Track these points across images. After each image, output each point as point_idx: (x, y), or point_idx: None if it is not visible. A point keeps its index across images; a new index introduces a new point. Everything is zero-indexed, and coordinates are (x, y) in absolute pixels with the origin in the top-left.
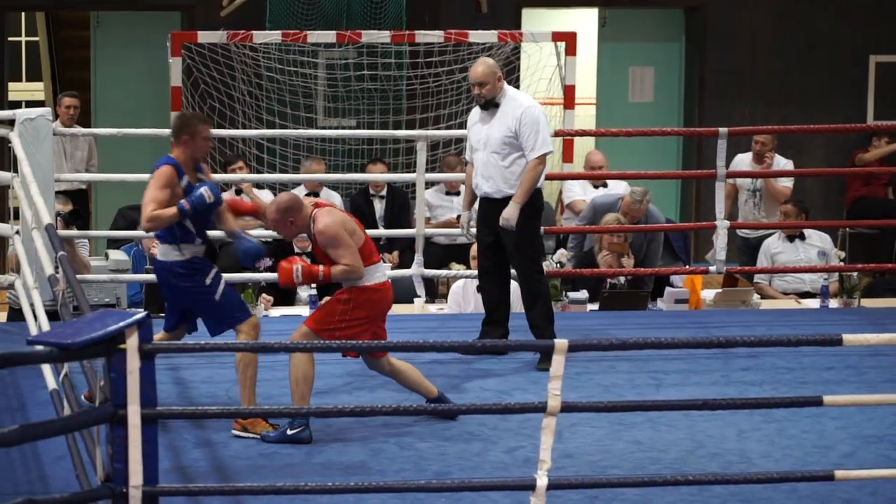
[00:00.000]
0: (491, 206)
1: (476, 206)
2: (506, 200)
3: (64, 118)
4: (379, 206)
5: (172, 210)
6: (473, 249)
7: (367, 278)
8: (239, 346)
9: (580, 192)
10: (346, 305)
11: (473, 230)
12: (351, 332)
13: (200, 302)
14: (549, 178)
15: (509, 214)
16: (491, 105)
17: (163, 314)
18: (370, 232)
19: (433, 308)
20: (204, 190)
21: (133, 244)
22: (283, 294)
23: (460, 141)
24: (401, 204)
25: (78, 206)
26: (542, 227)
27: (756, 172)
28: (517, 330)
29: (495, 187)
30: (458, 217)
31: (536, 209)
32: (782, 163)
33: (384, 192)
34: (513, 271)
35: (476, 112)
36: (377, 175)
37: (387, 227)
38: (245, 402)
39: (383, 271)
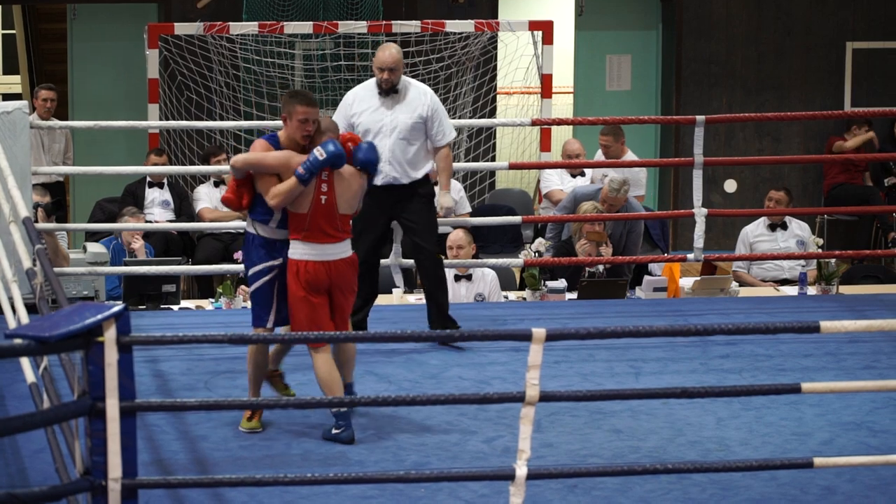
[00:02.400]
0: (394, 193)
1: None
2: (411, 186)
3: (41, 111)
4: None
5: (291, 181)
6: (451, 238)
7: (292, 251)
8: (217, 337)
9: (558, 182)
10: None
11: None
12: (305, 311)
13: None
14: (528, 167)
15: (449, 202)
16: (392, 91)
17: (142, 307)
18: None
19: (412, 298)
20: (317, 150)
21: (112, 237)
22: None
23: None
24: None
25: (58, 198)
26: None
27: (733, 160)
28: (501, 320)
29: (402, 172)
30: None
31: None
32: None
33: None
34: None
35: (365, 96)
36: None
37: None
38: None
39: (312, 251)
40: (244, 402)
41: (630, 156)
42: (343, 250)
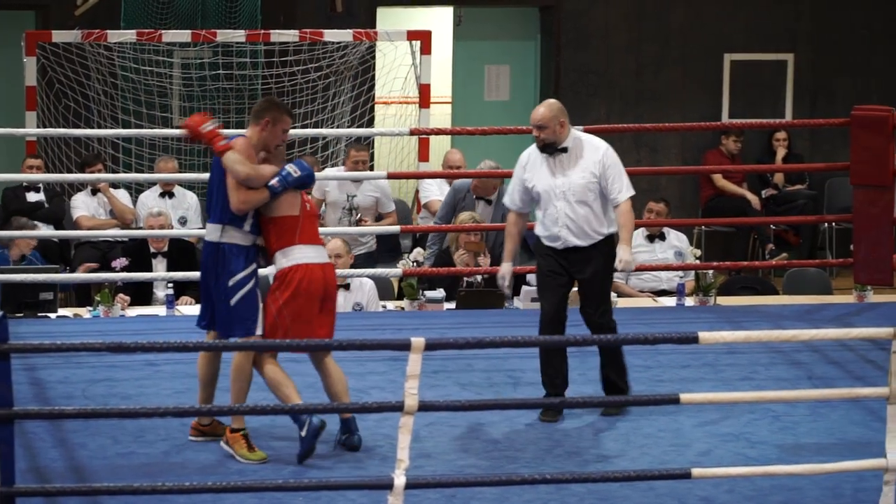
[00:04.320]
0: (575, 255)
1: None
2: (594, 246)
3: None
4: None
5: (264, 193)
6: (329, 247)
7: (289, 258)
8: (95, 345)
9: (437, 192)
10: (277, 303)
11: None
12: (295, 318)
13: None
14: (407, 176)
15: (629, 257)
16: (555, 150)
17: (19, 314)
18: None
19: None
20: (291, 168)
21: None
22: (140, 294)
23: (315, 140)
24: None
25: None
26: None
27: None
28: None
29: (584, 235)
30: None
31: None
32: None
33: None
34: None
35: (535, 157)
36: None
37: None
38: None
39: (313, 253)
40: (122, 410)
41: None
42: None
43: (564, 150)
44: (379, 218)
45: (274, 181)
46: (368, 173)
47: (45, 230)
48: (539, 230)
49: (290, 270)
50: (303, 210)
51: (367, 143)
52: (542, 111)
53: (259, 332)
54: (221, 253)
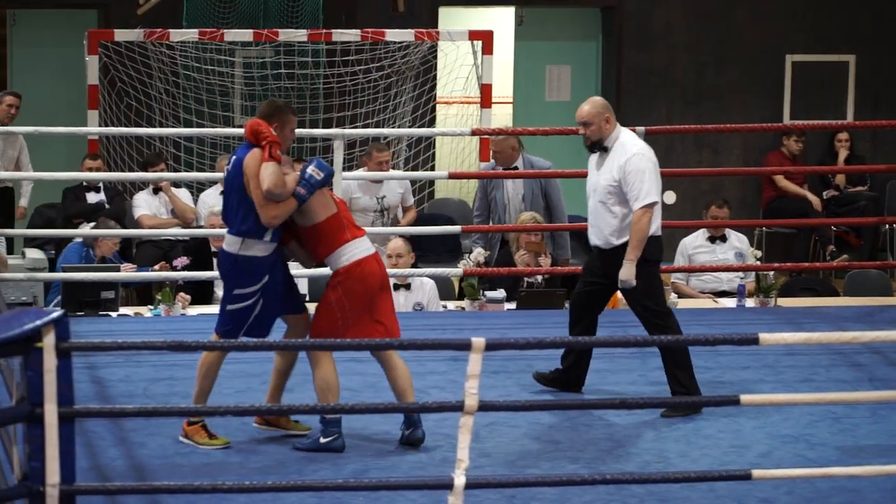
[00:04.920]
0: (599, 257)
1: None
2: (613, 251)
3: (4, 116)
4: None
5: (292, 203)
6: (390, 247)
7: (344, 257)
8: (156, 344)
9: None
10: (339, 301)
11: None
12: (357, 315)
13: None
14: (467, 176)
15: (626, 275)
16: (599, 148)
17: (81, 313)
18: None
19: None
20: (312, 169)
21: (81, 244)
22: (201, 293)
23: (377, 140)
24: None
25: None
26: (658, 274)
27: (672, 172)
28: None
29: (602, 237)
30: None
31: (644, 259)
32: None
33: None
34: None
35: (594, 156)
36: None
37: None
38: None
39: (363, 246)
40: (182, 409)
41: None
42: None
43: (606, 149)
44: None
45: (300, 188)
46: (392, 173)
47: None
48: None
49: (349, 269)
50: (337, 204)
51: (386, 143)
52: (586, 108)
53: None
54: (238, 265)
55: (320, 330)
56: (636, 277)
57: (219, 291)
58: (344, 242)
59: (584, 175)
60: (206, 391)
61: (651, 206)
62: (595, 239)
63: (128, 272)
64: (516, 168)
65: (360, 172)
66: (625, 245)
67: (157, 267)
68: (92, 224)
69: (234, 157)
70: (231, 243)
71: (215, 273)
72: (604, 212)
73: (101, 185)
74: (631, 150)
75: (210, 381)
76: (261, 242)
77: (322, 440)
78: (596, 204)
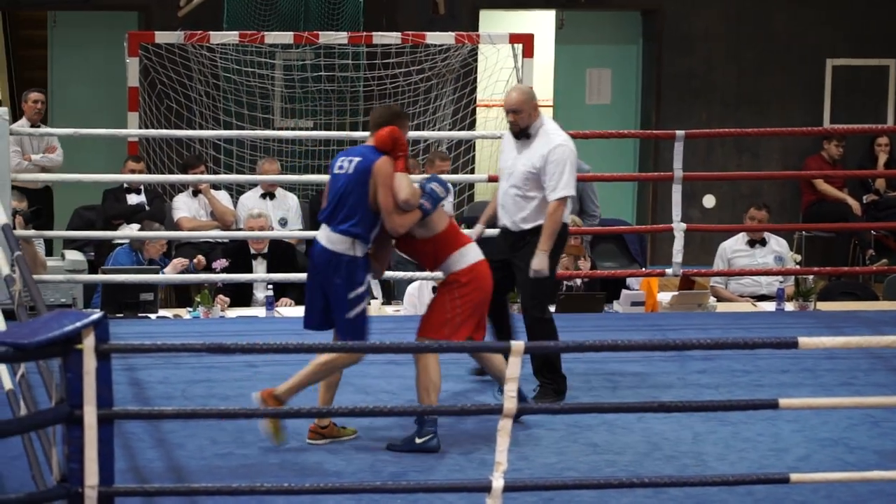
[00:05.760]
0: (505, 237)
1: (483, 226)
2: (521, 235)
3: (30, 113)
4: None
5: (416, 214)
6: None
7: (462, 261)
8: (195, 346)
9: None
10: (455, 300)
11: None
12: (466, 327)
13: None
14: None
15: (539, 265)
16: (524, 135)
17: (120, 315)
18: None
19: (389, 309)
20: (435, 186)
21: (128, 247)
22: (240, 295)
23: (417, 143)
24: None
25: (39, 206)
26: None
27: (712, 175)
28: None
29: (511, 220)
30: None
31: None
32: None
33: None
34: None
35: (509, 137)
36: None
37: None
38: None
39: (476, 251)
40: (221, 411)
41: None
42: None
43: (528, 135)
44: None
45: (424, 202)
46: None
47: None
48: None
49: (468, 271)
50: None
51: (427, 145)
52: (514, 96)
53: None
54: (345, 264)
55: (431, 330)
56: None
57: (259, 294)
58: (461, 246)
59: (626, 179)
60: (329, 401)
61: (566, 199)
62: (505, 220)
63: (171, 274)
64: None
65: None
66: (532, 230)
67: (195, 261)
68: (137, 226)
69: (354, 159)
70: (338, 242)
71: (254, 275)
72: (518, 197)
73: (141, 187)
74: (555, 140)
75: (332, 392)
76: (365, 246)
77: (417, 440)
78: (510, 188)
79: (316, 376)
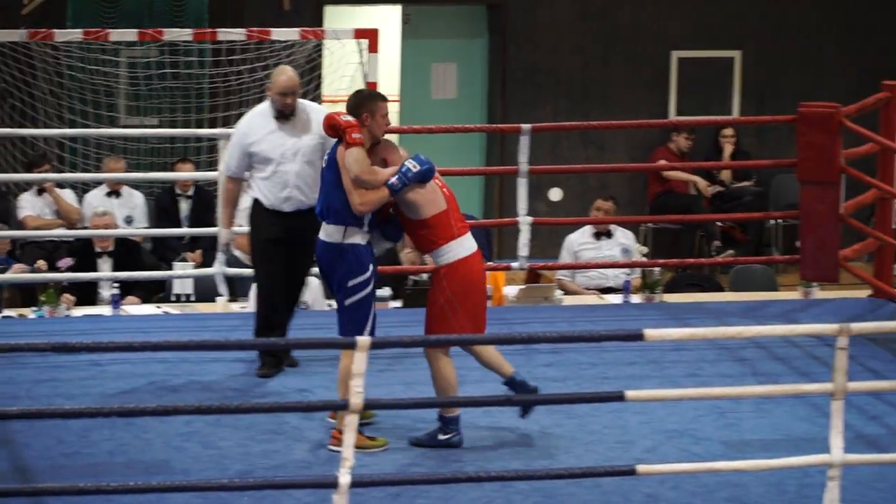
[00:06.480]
0: (306, 218)
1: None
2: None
3: None
4: (185, 206)
5: (384, 191)
6: None
7: (451, 254)
8: (40, 345)
9: None
10: (449, 301)
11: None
12: (472, 314)
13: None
14: None
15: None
16: (290, 115)
17: None
18: (174, 231)
19: (235, 307)
20: (410, 164)
21: None
22: (85, 293)
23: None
24: (206, 203)
25: None
26: None
27: (558, 168)
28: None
29: (310, 196)
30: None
31: None
32: None
33: (191, 192)
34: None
35: (260, 122)
36: (179, 174)
37: (192, 226)
38: None
39: (466, 245)
40: (67, 410)
41: None
42: None
43: (289, 116)
44: None
45: (393, 179)
46: None
47: None
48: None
49: (454, 266)
50: (447, 200)
51: None
52: (293, 77)
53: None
54: (345, 253)
55: (438, 325)
56: None
57: (105, 293)
58: (448, 240)
59: (472, 173)
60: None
61: None
62: (301, 197)
63: (17, 273)
64: None
65: None
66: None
67: (38, 264)
68: None
69: (326, 156)
70: (332, 233)
71: (100, 274)
72: (310, 171)
73: None
74: (319, 107)
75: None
76: (360, 231)
77: (441, 437)
78: (304, 165)
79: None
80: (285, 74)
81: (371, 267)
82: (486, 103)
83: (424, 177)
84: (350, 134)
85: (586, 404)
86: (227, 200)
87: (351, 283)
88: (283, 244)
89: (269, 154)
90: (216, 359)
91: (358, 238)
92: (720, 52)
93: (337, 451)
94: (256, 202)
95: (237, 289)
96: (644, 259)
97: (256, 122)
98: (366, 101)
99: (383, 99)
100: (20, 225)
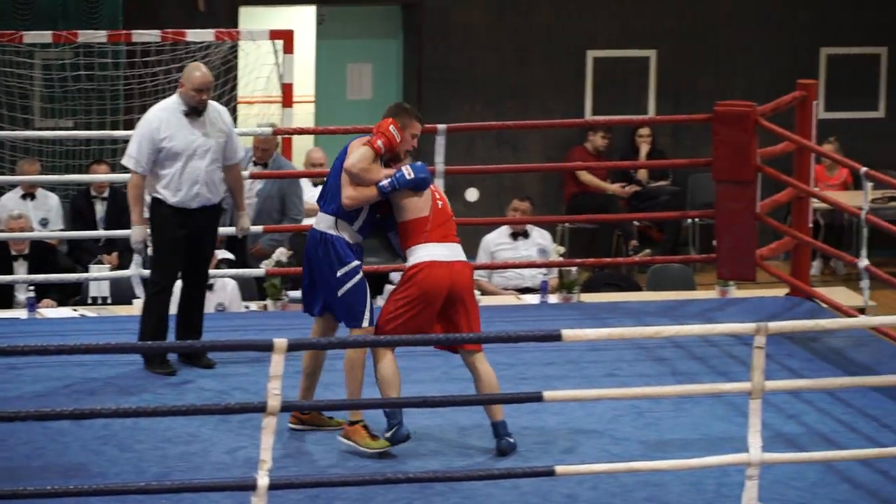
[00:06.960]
0: (206, 214)
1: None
2: (214, 207)
3: None
4: (100, 208)
5: (373, 191)
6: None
7: (415, 256)
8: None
9: (304, 191)
10: (401, 300)
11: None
12: (408, 317)
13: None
14: (270, 176)
15: (247, 224)
16: (202, 112)
17: None
18: (90, 234)
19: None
20: (406, 169)
21: None
22: (0, 297)
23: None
24: (122, 205)
25: None
26: None
27: (475, 169)
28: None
29: (215, 193)
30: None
31: None
32: None
33: (106, 194)
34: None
35: (170, 118)
36: (94, 176)
37: (108, 228)
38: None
39: (434, 252)
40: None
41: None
42: (462, 253)
43: (200, 112)
44: None
45: (384, 181)
46: None
47: None
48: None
49: (413, 268)
50: (434, 209)
51: None
52: (209, 73)
53: (366, 325)
54: (330, 244)
55: (380, 322)
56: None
57: (20, 296)
58: (421, 243)
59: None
60: (357, 391)
61: None
62: (207, 194)
63: None
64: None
65: None
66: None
67: None
68: None
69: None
70: (323, 221)
71: (15, 276)
72: (216, 169)
73: None
74: (224, 109)
75: (359, 380)
76: (350, 229)
77: (387, 435)
78: (211, 162)
79: (355, 377)
80: (200, 71)
81: (355, 259)
82: None
83: (417, 186)
84: (375, 138)
85: (504, 405)
86: (138, 197)
87: (339, 273)
88: (190, 241)
89: (180, 150)
90: (133, 362)
91: (346, 235)
92: (636, 51)
93: (348, 444)
94: (158, 201)
95: None
96: (561, 259)
97: (166, 118)
98: (403, 112)
99: (420, 121)
100: None
